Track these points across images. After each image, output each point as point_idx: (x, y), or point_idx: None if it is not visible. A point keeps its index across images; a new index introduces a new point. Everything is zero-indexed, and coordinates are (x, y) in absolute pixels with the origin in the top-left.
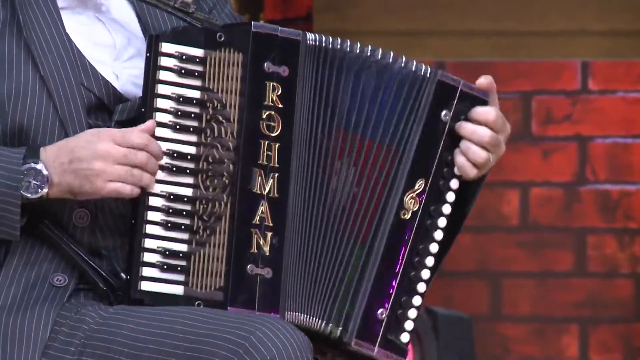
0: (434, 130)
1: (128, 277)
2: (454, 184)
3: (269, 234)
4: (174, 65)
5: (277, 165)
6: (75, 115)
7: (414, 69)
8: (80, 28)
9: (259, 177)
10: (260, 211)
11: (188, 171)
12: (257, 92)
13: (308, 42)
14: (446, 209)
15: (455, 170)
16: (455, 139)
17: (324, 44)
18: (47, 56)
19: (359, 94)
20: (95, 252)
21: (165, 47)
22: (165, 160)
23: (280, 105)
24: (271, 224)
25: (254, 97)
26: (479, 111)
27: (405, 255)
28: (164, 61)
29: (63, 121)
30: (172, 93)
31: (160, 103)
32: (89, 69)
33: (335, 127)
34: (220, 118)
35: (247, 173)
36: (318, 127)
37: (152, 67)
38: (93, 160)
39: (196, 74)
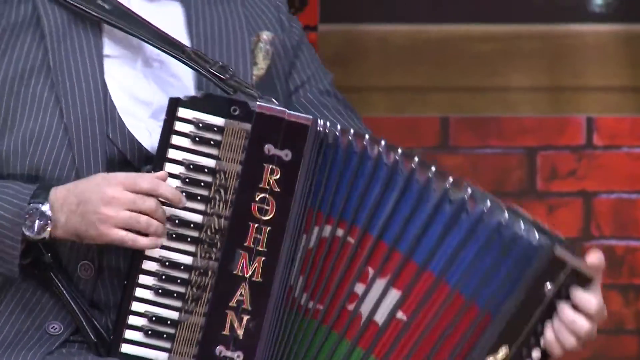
0: (533, 299)
1: (111, 337)
2: (536, 353)
3: (245, 317)
4: (190, 132)
5: (264, 249)
6: (93, 168)
7: (518, 234)
8: (122, 79)
9: (243, 260)
10: (239, 293)
11: (189, 239)
12: (253, 174)
13: (319, 129)
14: None
15: (542, 342)
16: (551, 311)
17: (332, 132)
18: (75, 104)
19: (397, 201)
20: (95, 305)
21: (183, 112)
22: (168, 226)
23: (277, 189)
24: (249, 308)
25: (249, 178)
26: (583, 298)
27: None
28: (179, 126)
29: (79, 172)
30: (184, 159)
31: (170, 168)
32: (117, 123)
33: (342, 220)
34: (222, 191)
35: (230, 253)
36: (318, 216)
37: (166, 131)
38: (101, 205)
39: (211, 142)
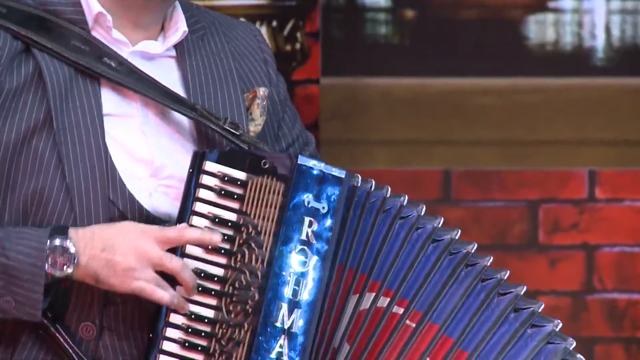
0: None
1: None
2: None
3: None
4: (215, 185)
5: (302, 300)
6: None
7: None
8: (121, 138)
9: (282, 311)
10: (278, 345)
11: (213, 292)
12: (293, 225)
13: (353, 183)
14: None
15: None
16: None
17: (365, 187)
18: (77, 163)
19: (416, 258)
20: None
21: (209, 165)
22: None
23: (314, 241)
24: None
25: (289, 228)
26: None
27: None
28: (205, 179)
29: None
30: (209, 212)
31: (196, 221)
32: (118, 184)
33: (370, 276)
34: (253, 244)
35: (271, 305)
36: (352, 271)
37: (193, 184)
38: (129, 255)
39: (235, 196)
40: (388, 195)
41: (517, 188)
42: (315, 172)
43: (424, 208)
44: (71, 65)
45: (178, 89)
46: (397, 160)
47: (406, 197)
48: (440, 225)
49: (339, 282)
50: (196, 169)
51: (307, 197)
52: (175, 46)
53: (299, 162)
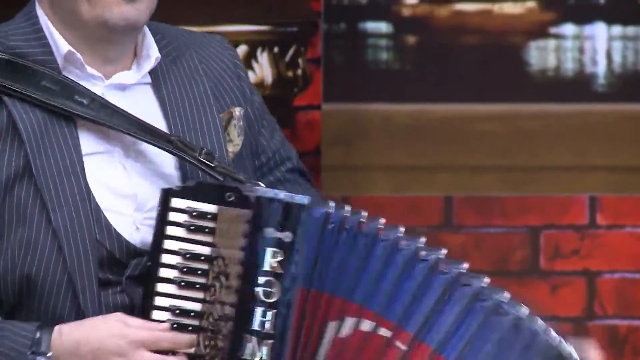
0: None
1: None
2: None
3: None
4: (184, 221)
5: (272, 331)
6: (85, 270)
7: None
8: (102, 176)
9: (250, 344)
10: None
11: (190, 328)
12: (256, 258)
13: (316, 208)
14: None
15: None
16: None
17: (332, 212)
18: (62, 207)
19: (376, 272)
20: None
21: (175, 202)
22: (167, 317)
23: (280, 271)
24: None
25: (252, 262)
26: None
27: None
28: (172, 216)
29: (72, 275)
30: (180, 249)
31: (166, 259)
32: (103, 223)
33: (338, 297)
34: (223, 277)
35: (238, 339)
36: (317, 296)
37: (160, 222)
38: None
39: (206, 230)
40: (364, 219)
41: (518, 214)
42: (277, 201)
43: (404, 230)
44: (44, 108)
45: (157, 115)
46: (398, 186)
47: (382, 220)
48: (423, 245)
49: (313, 309)
50: (163, 206)
51: (270, 228)
52: (150, 72)
53: (259, 193)
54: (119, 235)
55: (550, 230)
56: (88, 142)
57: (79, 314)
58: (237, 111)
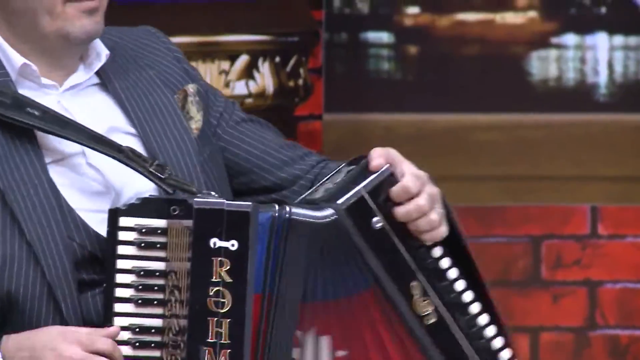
0: (381, 244)
1: None
2: (437, 252)
3: None
4: (134, 239)
5: (228, 341)
6: (63, 277)
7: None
8: (71, 180)
9: (209, 356)
10: None
11: (153, 345)
12: (203, 269)
13: (260, 213)
14: (453, 273)
15: (427, 244)
16: (402, 228)
17: (276, 214)
18: (32, 219)
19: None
20: None
21: (124, 221)
22: (128, 336)
23: (230, 280)
24: None
25: (200, 274)
26: (395, 192)
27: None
28: (122, 235)
29: (51, 285)
30: (133, 267)
31: (121, 278)
32: (80, 224)
33: (295, 300)
34: (176, 291)
35: (195, 352)
36: (273, 299)
37: (111, 242)
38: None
39: (158, 245)
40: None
41: (519, 224)
42: (220, 211)
43: None
44: (1, 122)
45: (115, 111)
46: None
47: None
48: None
49: (268, 314)
50: (112, 226)
51: (214, 238)
52: (97, 72)
53: (195, 205)
54: (96, 233)
55: (552, 240)
56: (49, 151)
57: (63, 323)
58: (191, 88)
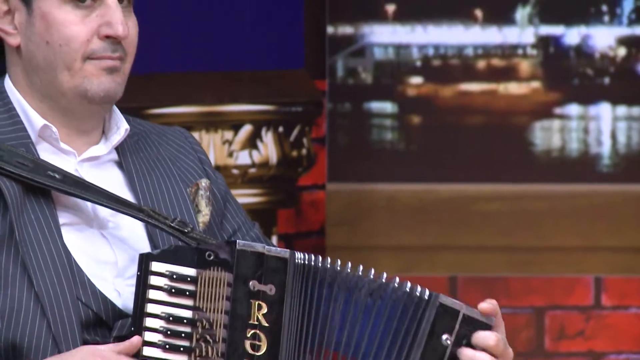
0: (433, 353)
1: None
2: None
3: None
4: (165, 285)
5: None
6: (69, 333)
7: (408, 290)
8: (82, 244)
9: None
10: None
11: None
12: (242, 311)
13: (297, 260)
14: None
15: None
16: None
17: (312, 263)
18: (42, 272)
19: (349, 314)
20: None
21: (156, 266)
22: None
23: (266, 324)
24: None
25: (238, 316)
26: (480, 336)
27: None
28: (153, 280)
29: (56, 339)
30: (162, 312)
31: (150, 322)
32: (88, 285)
33: (324, 347)
34: (208, 338)
35: None
36: (307, 346)
37: (142, 286)
38: None
39: (187, 293)
40: (343, 269)
41: (523, 295)
42: (256, 254)
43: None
44: (20, 181)
45: (125, 191)
46: (402, 266)
47: (361, 267)
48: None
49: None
50: (143, 270)
51: (253, 282)
52: (116, 149)
53: (238, 247)
54: (104, 296)
55: (555, 311)
56: (64, 214)
57: None
58: (203, 182)
